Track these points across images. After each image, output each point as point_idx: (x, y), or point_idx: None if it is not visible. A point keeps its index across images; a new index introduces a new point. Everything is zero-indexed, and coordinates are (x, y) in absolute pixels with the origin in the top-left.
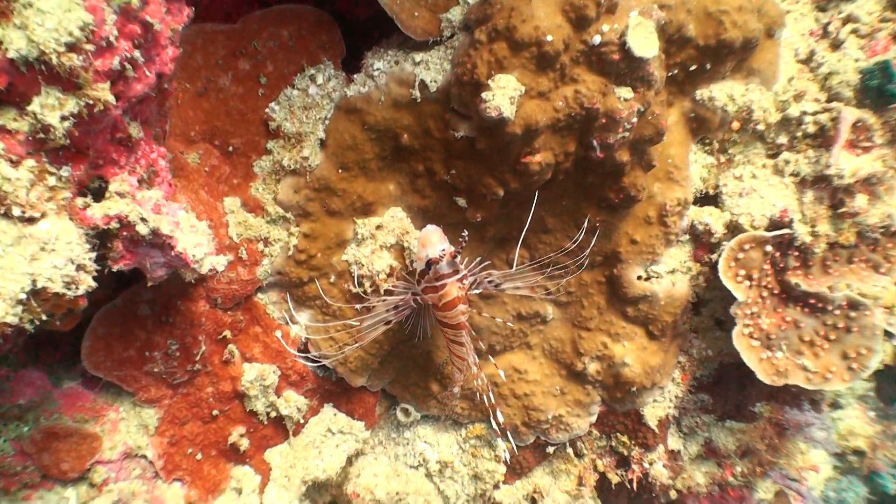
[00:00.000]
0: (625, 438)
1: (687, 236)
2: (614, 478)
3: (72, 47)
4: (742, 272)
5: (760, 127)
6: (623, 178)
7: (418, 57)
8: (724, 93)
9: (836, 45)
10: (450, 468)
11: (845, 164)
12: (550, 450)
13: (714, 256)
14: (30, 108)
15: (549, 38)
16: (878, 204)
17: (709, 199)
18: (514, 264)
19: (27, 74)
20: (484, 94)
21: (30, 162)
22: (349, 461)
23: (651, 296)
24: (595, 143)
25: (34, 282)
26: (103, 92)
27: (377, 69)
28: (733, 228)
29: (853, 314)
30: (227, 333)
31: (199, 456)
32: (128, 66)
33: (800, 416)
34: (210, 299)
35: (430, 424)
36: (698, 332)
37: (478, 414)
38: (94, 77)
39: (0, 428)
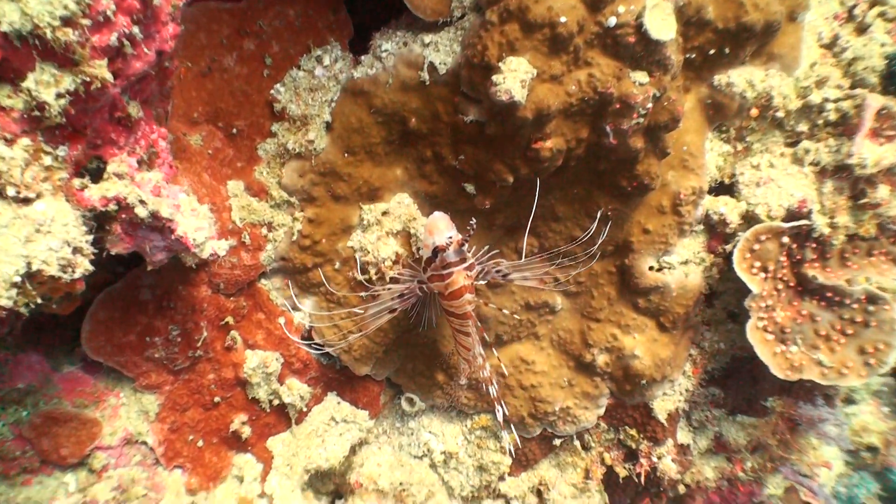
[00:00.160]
0: (633, 432)
1: (701, 226)
2: (622, 471)
3: (67, 21)
4: (757, 264)
5: (780, 114)
6: (636, 165)
7: (427, 38)
8: (742, 78)
9: (861, 30)
10: (455, 459)
11: (868, 153)
12: (557, 442)
13: (729, 247)
14: (24, 84)
15: (563, 19)
16: None
17: (724, 188)
18: (523, 253)
19: (21, 49)
20: (494, 77)
21: (25, 141)
22: (352, 450)
23: (663, 287)
24: (608, 129)
25: (29, 264)
26: (100, 69)
27: (385, 50)
28: (749, 219)
29: (871, 308)
30: (230, 319)
31: (200, 443)
32: (126, 42)
33: (813, 412)
34: (212, 284)
35: (436, 415)
36: (711, 325)
37: (484, 405)
38: (91, 53)
39: None
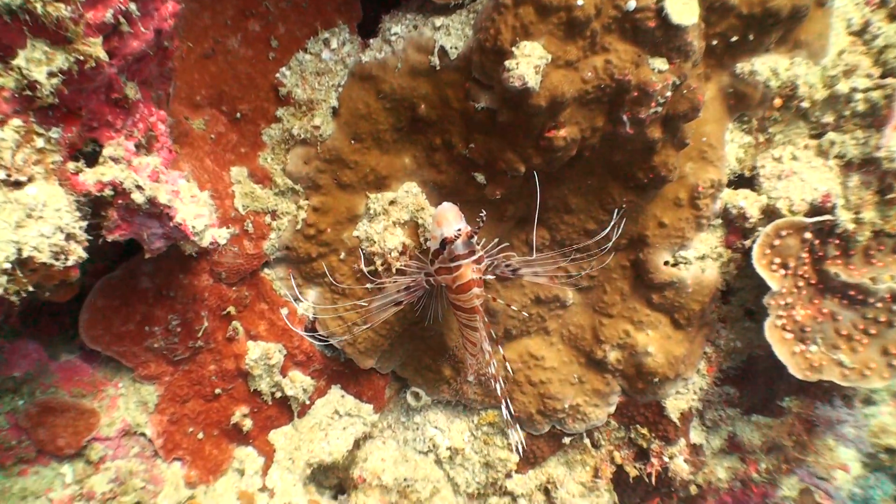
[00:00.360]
0: (644, 430)
1: (719, 220)
2: (632, 471)
3: None
4: (777, 260)
5: (805, 104)
6: (653, 156)
7: (438, 21)
8: (766, 67)
9: (894, 16)
10: (460, 455)
11: None
12: (566, 440)
13: (748, 243)
14: (15, 62)
15: (580, 2)
16: None
17: (744, 181)
18: (533, 247)
19: (11, 25)
20: (507, 63)
21: (16, 121)
22: (356, 445)
23: (678, 282)
24: (625, 117)
25: (19, 251)
26: (95, 47)
27: (395, 34)
28: (770, 213)
29: None
30: (232, 309)
31: (200, 435)
32: (122, 20)
33: (831, 413)
34: (214, 273)
35: (442, 409)
36: (727, 322)
37: (491, 400)
38: (85, 31)
39: None
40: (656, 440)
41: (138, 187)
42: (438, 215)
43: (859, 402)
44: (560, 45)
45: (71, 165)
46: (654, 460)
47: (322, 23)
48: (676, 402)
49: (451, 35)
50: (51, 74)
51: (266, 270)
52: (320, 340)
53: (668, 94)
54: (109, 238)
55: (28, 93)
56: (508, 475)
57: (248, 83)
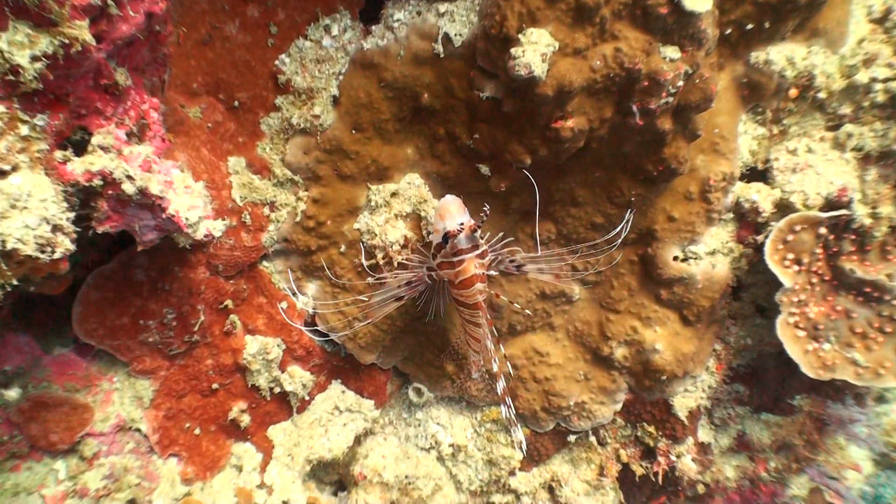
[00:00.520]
0: (651, 429)
1: (731, 214)
2: (638, 469)
3: None
4: (790, 256)
5: (821, 95)
6: (664, 148)
7: (443, 7)
8: (782, 56)
9: None
10: (463, 452)
11: None
12: (572, 438)
13: (760, 238)
14: None
15: None
16: None
17: (757, 174)
18: (537, 241)
19: None
20: (513, 50)
21: None
22: (357, 441)
23: (688, 278)
24: (635, 108)
25: (3, 242)
26: (81, 30)
27: (397, 20)
28: (783, 207)
29: None
30: (229, 303)
31: (197, 431)
32: (110, 1)
33: (843, 412)
34: (210, 266)
35: (444, 406)
36: (737, 319)
37: (495, 397)
38: (71, 13)
39: None
40: (663, 438)
41: (129, 177)
42: (441, 208)
43: (872, 401)
44: (568, 32)
45: (58, 154)
46: (661, 459)
47: (323, 8)
48: (684, 400)
49: (456, 22)
50: (34, 59)
51: (265, 263)
52: (320, 335)
53: (680, 83)
54: (100, 230)
55: (11, 78)
56: (512, 473)
57: (247, 70)
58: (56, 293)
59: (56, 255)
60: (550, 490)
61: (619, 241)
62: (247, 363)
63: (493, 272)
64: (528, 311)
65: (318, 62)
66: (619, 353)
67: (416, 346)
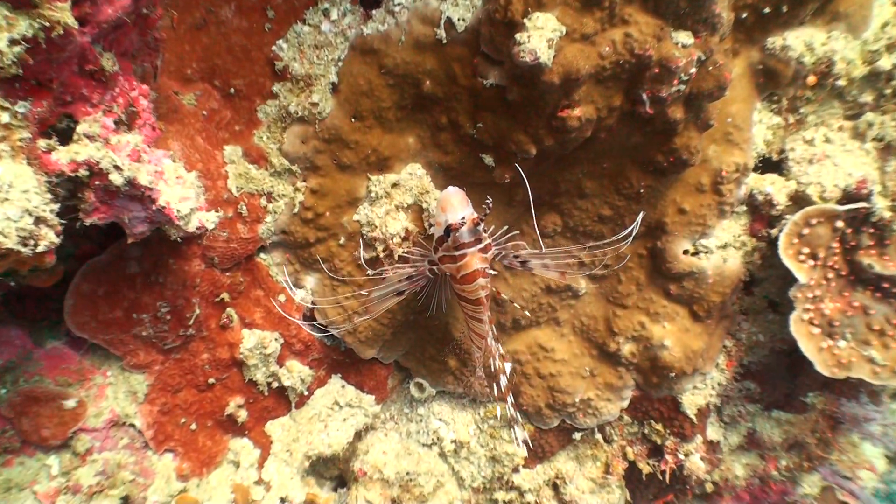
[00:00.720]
0: (659, 426)
1: (743, 207)
2: (645, 468)
3: None
4: (806, 250)
5: (841, 82)
6: (675, 138)
7: None
8: (801, 41)
9: None
10: (466, 448)
11: None
12: (577, 435)
13: (774, 231)
14: None
15: None
16: None
17: (772, 165)
18: (539, 237)
19: None
20: (518, 36)
21: None
22: (357, 436)
23: (698, 273)
24: (645, 96)
25: None
26: (62, 13)
27: (398, 4)
28: (799, 200)
29: None
30: (225, 296)
31: (193, 426)
32: None
33: (857, 410)
34: (206, 258)
35: (447, 401)
36: (749, 315)
37: (497, 393)
38: None
39: None
40: (671, 436)
41: (116, 167)
42: (443, 200)
43: (887, 398)
44: (576, 16)
45: (42, 143)
46: (669, 457)
47: None
48: (693, 398)
49: (459, 6)
50: (13, 42)
51: (262, 255)
52: (319, 330)
53: (693, 70)
54: (87, 221)
55: None
56: (515, 470)
57: (243, 56)
58: (46, 285)
59: (39, 249)
60: (555, 487)
61: (628, 242)
62: (244, 358)
63: (493, 271)
64: (527, 313)
65: (317, 48)
66: (627, 349)
67: (417, 341)
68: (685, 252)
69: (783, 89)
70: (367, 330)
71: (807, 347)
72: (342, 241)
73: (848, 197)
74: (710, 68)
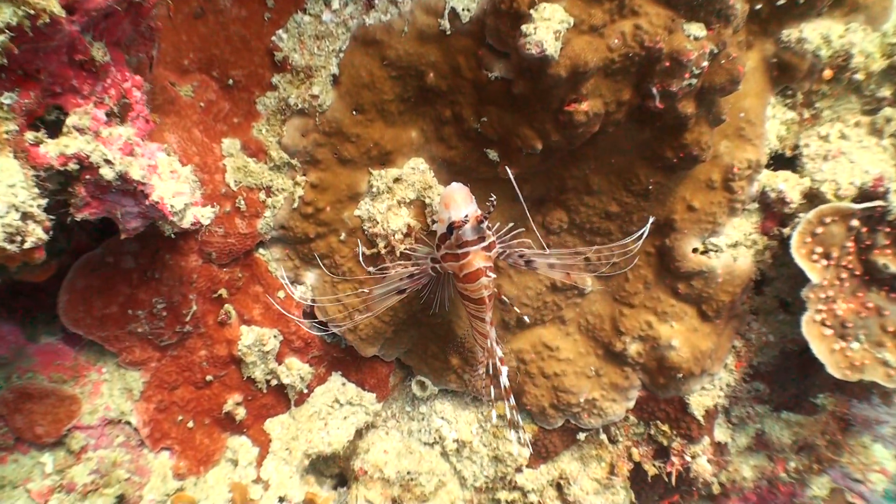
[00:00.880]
0: (665, 427)
1: (755, 204)
2: (651, 469)
3: None
4: (819, 249)
5: (859, 76)
6: (685, 133)
7: None
8: (817, 33)
9: None
10: (468, 448)
11: None
12: (581, 436)
13: (786, 230)
14: None
15: None
16: None
17: (785, 161)
18: (539, 237)
19: None
20: (524, 27)
21: None
22: (358, 435)
23: (707, 272)
24: (655, 90)
25: None
26: (48, 0)
27: None
28: (812, 198)
29: None
30: (223, 292)
31: (190, 424)
32: None
33: (869, 412)
34: (203, 253)
35: (449, 400)
36: (759, 315)
37: (501, 392)
38: None
39: None
40: (678, 438)
41: (107, 161)
42: (446, 197)
43: None
44: (584, 7)
45: (29, 136)
46: (675, 459)
47: None
48: (701, 399)
49: None
50: None
51: (261, 251)
52: (320, 326)
53: (705, 64)
54: (78, 216)
55: None
56: (519, 469)
57: (242, 46)
58: (39, 280)
59: (27, 245)
60: (558, 488)
61: (638, 246)
62: (242, 355)
63: (493, 275)
64: (525, 319)
65: (318, 38)
66: (633, 348)
67: (419, 338)
68: (694, 250)
69: (798, 83)
70: (368, 327)
71: (819, 349)
72: (343, 236)
73: (864, 195)
74: (723, 62)
